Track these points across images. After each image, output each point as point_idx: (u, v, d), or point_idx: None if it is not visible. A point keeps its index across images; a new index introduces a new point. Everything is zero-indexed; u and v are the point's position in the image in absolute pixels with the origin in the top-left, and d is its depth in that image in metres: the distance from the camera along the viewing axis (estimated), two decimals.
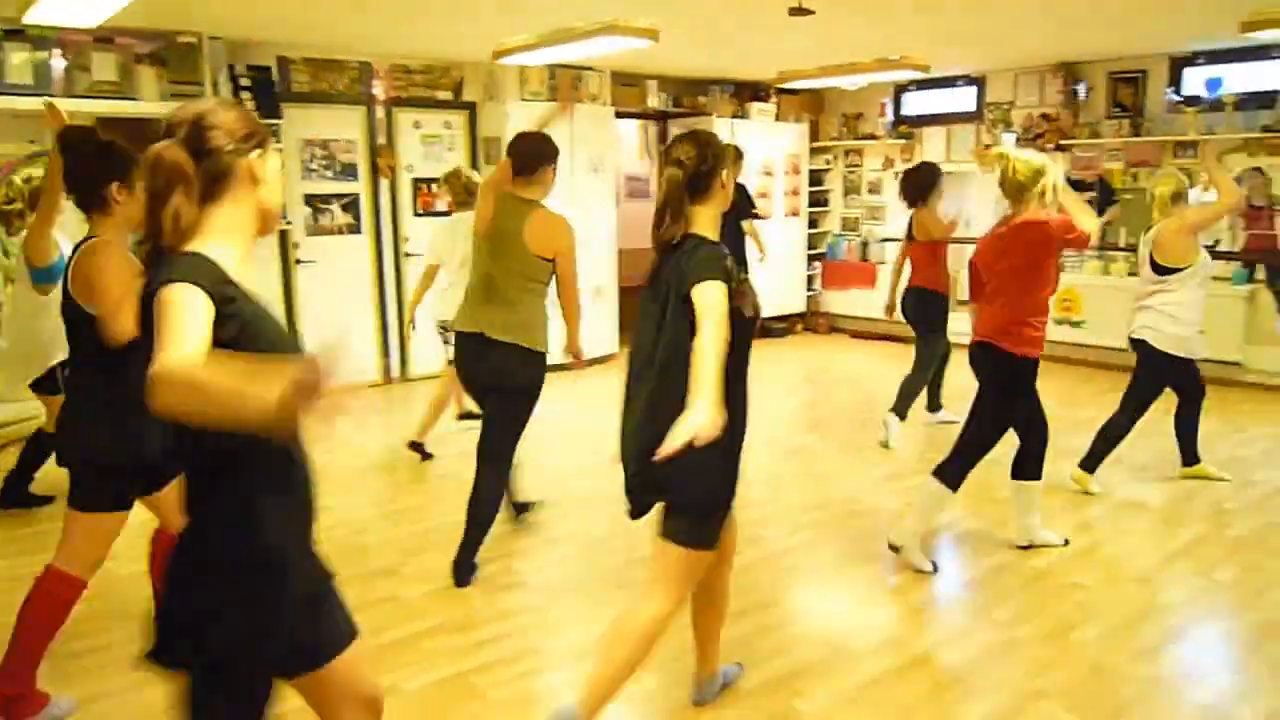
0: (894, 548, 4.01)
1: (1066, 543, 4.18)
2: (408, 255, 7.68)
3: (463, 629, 3.46)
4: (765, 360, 7.86)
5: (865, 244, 9.78)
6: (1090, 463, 4.91)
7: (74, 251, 2.80)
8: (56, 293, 3.64)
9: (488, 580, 3.90)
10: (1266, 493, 4.90)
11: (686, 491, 2.46)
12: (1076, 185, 8.09)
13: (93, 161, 2.78)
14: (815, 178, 10.11)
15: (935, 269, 5.83)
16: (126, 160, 2.77)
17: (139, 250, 1.69)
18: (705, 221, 2.55)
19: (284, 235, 7.05)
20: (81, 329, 2.74)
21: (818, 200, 10.15)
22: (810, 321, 10.08)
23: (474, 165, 8.02)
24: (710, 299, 2.34)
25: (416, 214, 7.76)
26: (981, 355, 3.90)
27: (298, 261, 7.19)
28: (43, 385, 4.33)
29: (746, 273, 7.06)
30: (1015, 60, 8.24)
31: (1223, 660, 3.28)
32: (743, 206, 7.59)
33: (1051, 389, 4.56)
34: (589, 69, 8.10)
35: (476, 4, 5.42)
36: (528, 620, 3.55)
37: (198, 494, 1.67)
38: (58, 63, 5.87)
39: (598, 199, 8.33)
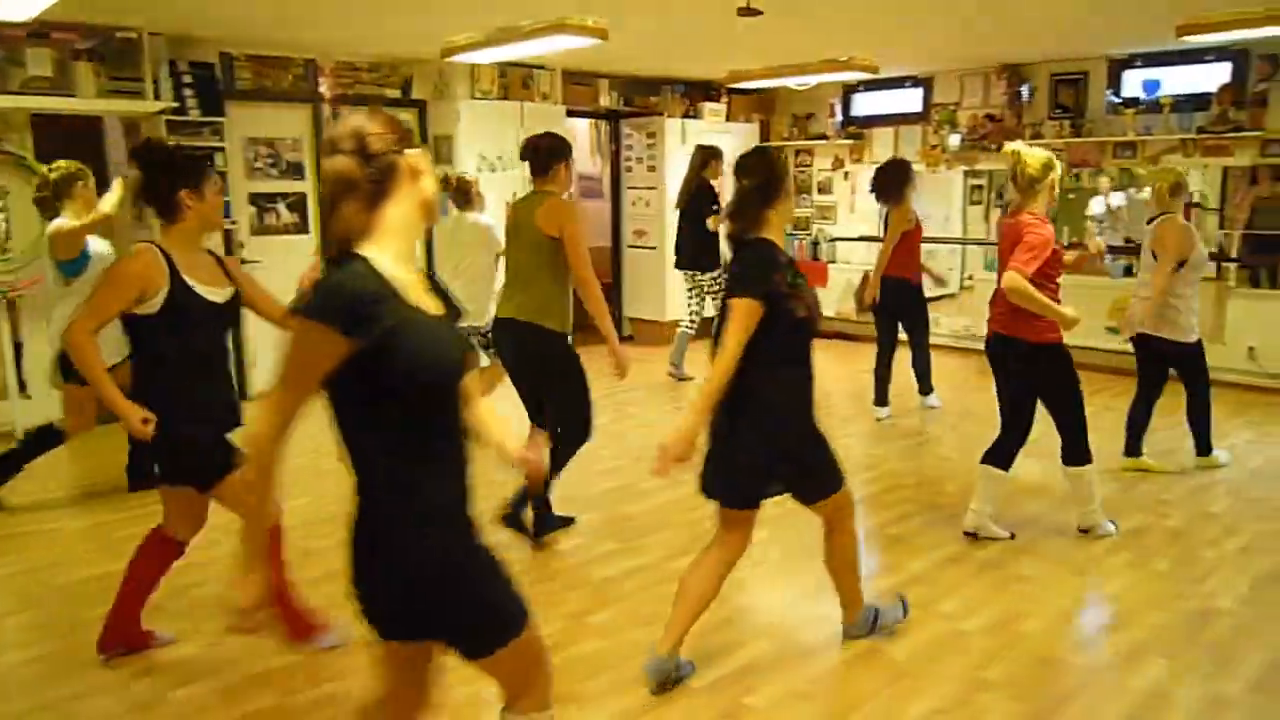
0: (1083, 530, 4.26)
1: (1013, 536, 4.26)
2: None
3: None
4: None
5: (816, 243, 9.86)
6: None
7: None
8: (78, 283, 4.43)
9: None
10: (1202, 484, 5.03)
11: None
12: None
13: (164, 171, 3.00)
14: None
15: (913, 260, 6.20)
16: (194, 166, 3.07)
17: (320, 256, 1.87)
18: (776, 226, 2.97)
19: (229, 235, 6.93)
20: (135, 325, 2.98)
21: None
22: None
23: None
24: (735, 314, 2.80)
25: None
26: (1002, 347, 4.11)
27: (243, 262, 7.06)
28: (73, 374, 4.36)
29: (714, 271, 7.14)
30: (961, 62, 8.37)
31: (1161, 647, 3.35)
32: (705, 205, 7.55)
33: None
34: (540, 67, 8.08)
35: (425, 2, 5.38)
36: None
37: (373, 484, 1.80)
38: None
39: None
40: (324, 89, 7.37)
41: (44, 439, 4.83)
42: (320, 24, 6.16)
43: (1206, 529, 4.40)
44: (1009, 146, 4.13)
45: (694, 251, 7.42)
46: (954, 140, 8.70)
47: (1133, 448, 5.25)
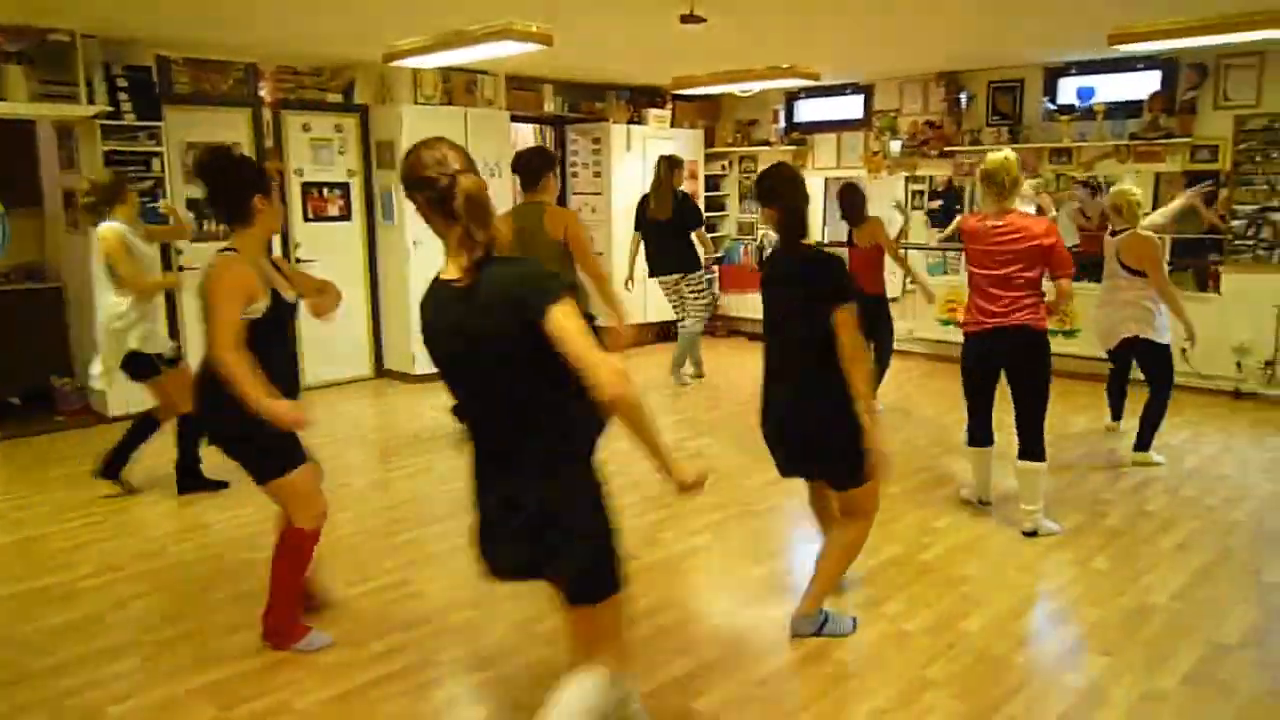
0: (1029, 533, 4.38)
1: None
2: (299, 261, 7.48)
3: (357, 643, 3.38)
4: (662, 364, 7.92)
5: (761, 249, 9.93)
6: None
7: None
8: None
9: (382, 593, 3.83)
10: (1138, 482, 5.16)
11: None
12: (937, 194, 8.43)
13: (236, 179, 3.18)
14: (711, 183, 10.24)
15: (879, 274, 6.53)
16: (262, 172, 3.31)
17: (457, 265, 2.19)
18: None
19: (164, 247, 6.78)
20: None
21: (714, 205, 10.28)
22: (709, 325, 10.18)
23: (366, 169, 7.89)
24: (849, 320, 3.12)
25: (307, 219, 7.58)
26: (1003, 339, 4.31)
27: (180, 269, 6.93)
28: (141, 373, 4.84)
29: (699, 270, 7.25)
30: (900, 69, 8.50)
31: (1099, 644, 3.43)
32: (692, 218, 7.80)
33: (935, 388, 4.73)
34: (484, 72, 8.04)
35: (365, 4, 5.32)
36: (423, 632, 3.50)
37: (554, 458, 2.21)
38: None
39: (495, 203, 8.24)
40: (264, 93, 7.25)
41: (143, 427, 5.02)
42: (260, 27, 6.06)
43: (1144, 527, 4.50)
44: (993, 155, 4.48)
45: (681, 256, 7.63)
46: (895, 146, 8.82)
47: (1144, 442, 5.51)
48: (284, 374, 3.14)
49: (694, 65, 7.32)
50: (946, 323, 8.29)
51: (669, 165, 7.55)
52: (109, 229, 4.73)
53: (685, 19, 5.31)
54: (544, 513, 2.17)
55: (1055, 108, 7.91)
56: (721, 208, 10.38)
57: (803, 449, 3.34)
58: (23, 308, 6.75)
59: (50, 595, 3.80)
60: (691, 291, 7.72)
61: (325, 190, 7.66)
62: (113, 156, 6.26)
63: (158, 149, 6.53)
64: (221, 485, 5.06)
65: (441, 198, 2.17)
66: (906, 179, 8.99)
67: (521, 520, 2.18)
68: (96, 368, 4.94)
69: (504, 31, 4.91)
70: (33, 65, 5.92)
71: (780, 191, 3.30)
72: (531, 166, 4.72)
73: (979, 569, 4.02)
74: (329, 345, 7.51)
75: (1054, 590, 3.84)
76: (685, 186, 8.02)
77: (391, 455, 5.94)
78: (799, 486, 4.55)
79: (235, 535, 4.47)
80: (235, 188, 3.15)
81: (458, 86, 7.92)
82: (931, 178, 8.79)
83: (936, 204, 8.77)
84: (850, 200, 6.49)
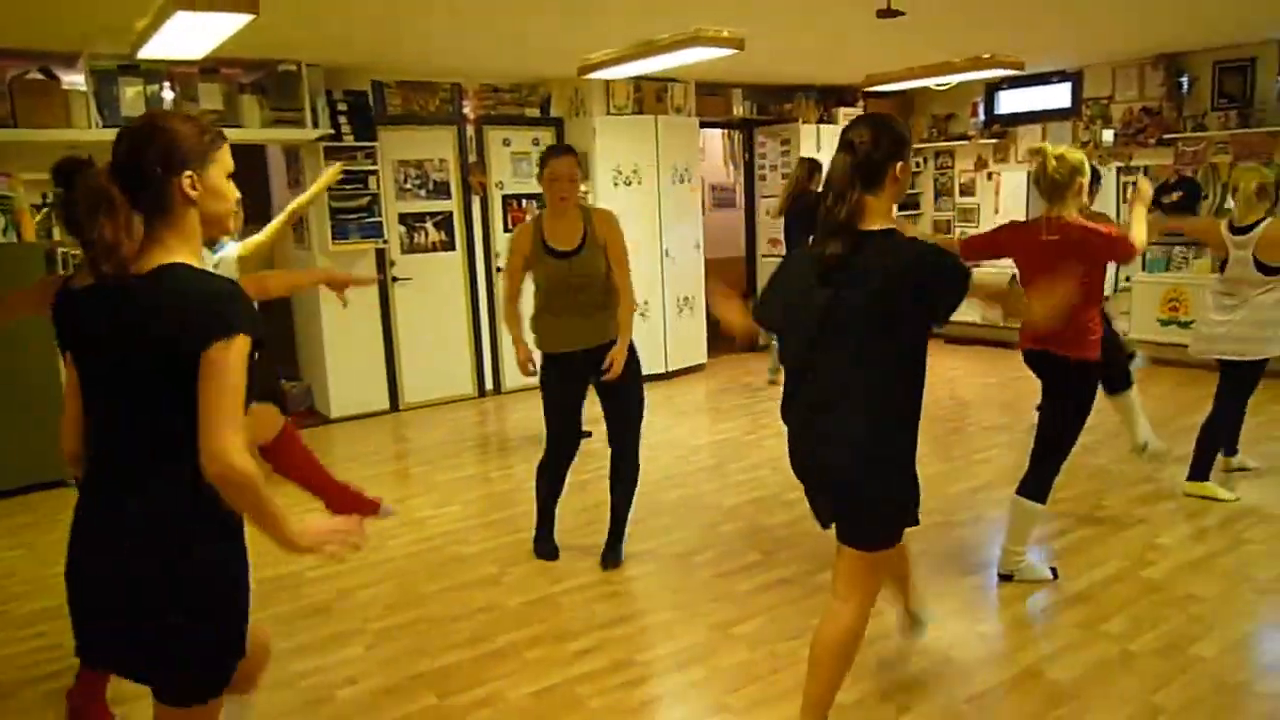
0: (1005, 576, 3.86)
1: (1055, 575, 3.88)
2: (499, 270, 7.80)
3: (561, 638, 3.49)
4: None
5: None
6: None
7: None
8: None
9: (584, 590, 3.94)
10: None
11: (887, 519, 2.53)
12: (1176, 185, 7.81)
13: None
14: None
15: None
16: None
17: None
18: (880, 214, 2.40)
19: (381, 254, 7.24)
20: None
21: (908, 204, 9.98)
22: None
23: None
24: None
25: (507, 230, 7.89)
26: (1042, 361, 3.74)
27: (394, 279, 7.37)
28: None
29: None
30: (1113, 53, 7.98)
31: None
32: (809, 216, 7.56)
33: (1156, 393, 4.41)
34: (674, 80, 8.13)
35: (561, 21, 5.49)
36: (625, 630, 3.56)
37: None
38: (168, 94, 6.14)
39: (684, 209, 8.35)
40: (468, 110, 7.61)
41: None
42: (464, 49, 6.36)
43: None
44: (1034, 145, 3.78)
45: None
46: (1108, 135, 8.30)
47: (1205, 470, 4.71)
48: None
49: (888, 60, 7.13)
50: (1167, 322, 7.72)
51: (808, 168, 7.37)
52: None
53: (882, 13, 5.17)
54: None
55: None
56: (915, 206, 10.07)
57: None
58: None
59: (282, 584, 4.10)
60: None
61: (524, 201, 7.94)
62: None
63: (374, 167, 6.98)
64: None
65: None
66: (1119, 170, 8.43)
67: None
68: None
69: (694, 38, 4.94)
70: (265, 94, 6.46)
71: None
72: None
73: (1209, 589, 3.71)
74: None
75: None
76: None
77: (586, 458, 6.09)
78: (1006, 497, 4.38)
79: (448, 530, 4.69)
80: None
81: (648, 95, 8.04)
82: (1146, 168, 8.20)
83: (1176, 196, 7.99)
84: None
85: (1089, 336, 3.59)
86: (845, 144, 2.41)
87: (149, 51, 4.53)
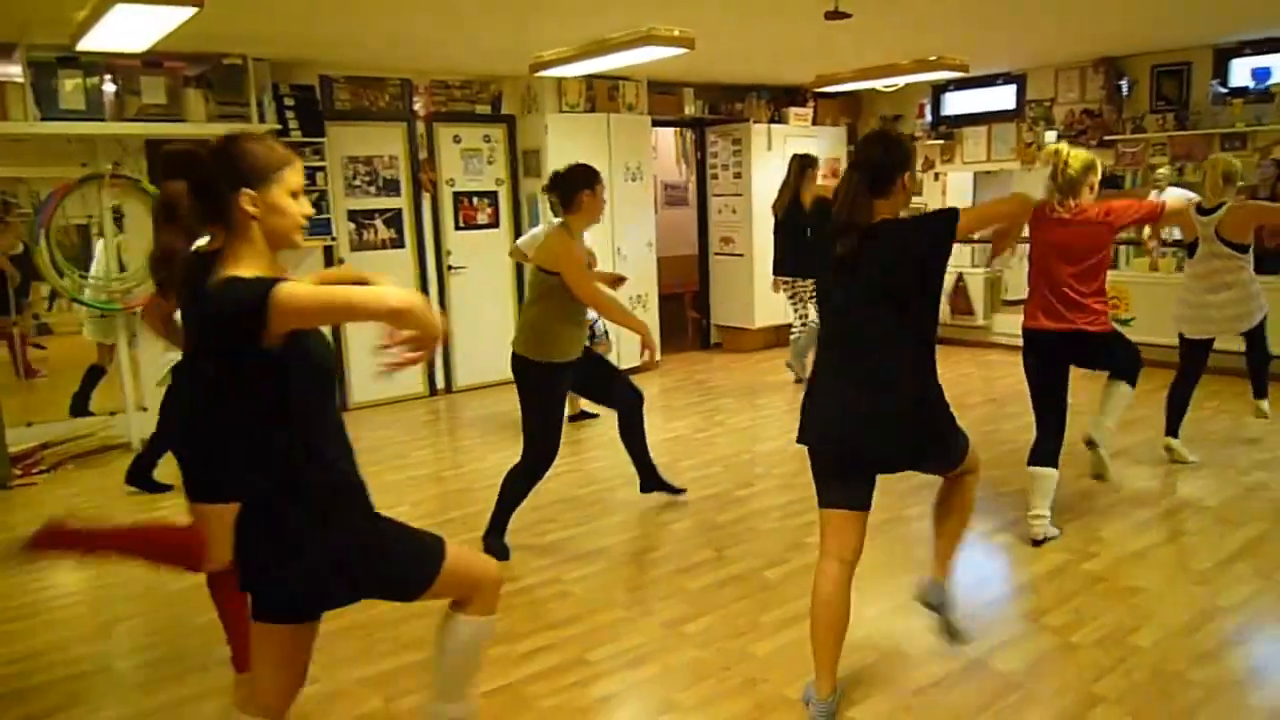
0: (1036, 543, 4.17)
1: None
2: (450, 268, 7.76)
3: (512, 639, 3.48)
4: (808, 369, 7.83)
5: None
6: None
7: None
8: None
9: (535, 590, 3.93)
10: None
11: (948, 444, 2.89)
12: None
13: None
14: None
15: None
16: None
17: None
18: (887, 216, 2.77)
19: (329, 251, 7.15)
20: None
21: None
22: None
23: (513, 178, 8.09)
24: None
25: (458, 227, 7.84)
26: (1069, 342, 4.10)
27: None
28: None
29: (806, 281, 7.07)
30: (1055, 57, 8.14)
31: None
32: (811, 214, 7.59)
33: (1095, 389, 4.51)
34: (625, 78, 8.13)
35: (513, 19, 5.47)
36: (576, 629, 3.56)
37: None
38: (109, 87, 6.01)
39: (636, 207, 8.36)
40: (418, 106, 7.55)
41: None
42: (414, 44, 6.31)
43: None
44: (1050, 145, 4.22)
45: (794, 259, 7.41)
46: (1050, 137, 8.46)
47: (1173, 428, 5.22)
48: None
49: (837, 62, 7.21)
50: None
51: (800, 165, 7.35)
52: None
53: (830, 15, 5.23)
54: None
55: (1227, 91, 7.43)
56: None
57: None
58: None
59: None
60: (809, 299, 7.49)
61: (475, 199, 7.90)
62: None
63: (321, 163, 6.89)
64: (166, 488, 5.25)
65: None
66: None
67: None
68: None
69: (646, 37, 4.96)
70: (210, 88, 6.35)
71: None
72: (563, 185, 4.17)
73: (1150, 580, 3.81)
74: (473, 349, 7.73)
75: (1236, 604, 3.59)
76: (824, 183, 7.86)
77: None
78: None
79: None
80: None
81: (600, 93, 8.04)
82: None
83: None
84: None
85: (1107, 312, 4.14)
86: (859, 157, 2.80)
87: (89, 43, 4.44)
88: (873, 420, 2.73)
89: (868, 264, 2.71)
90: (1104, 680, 3.05)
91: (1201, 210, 5.02)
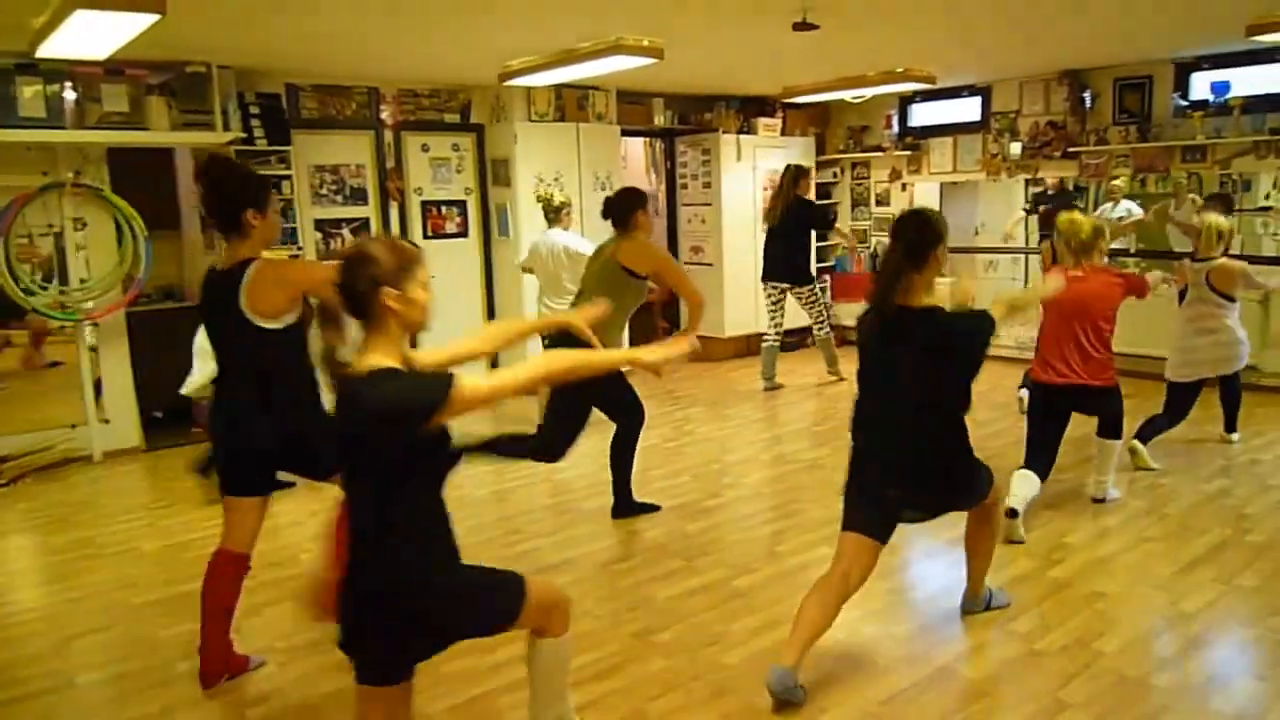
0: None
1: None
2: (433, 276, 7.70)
3: (482, 650, 3.44)
4: (779, 375, 7.85)
5: (875, 256, 9.76)
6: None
7: (240, 272, 3.01)
8: None
9: None
10: None
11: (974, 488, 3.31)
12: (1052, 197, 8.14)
13: (229, 192, 3.07)
14: (822, 191, 10.11)
15: None
16: (259, 185, 3.13)
17: None
18: (923, 287, 3.05)
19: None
20: (243, 339, 3.03)
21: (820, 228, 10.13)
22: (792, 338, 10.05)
23: (482, 186, 8.07)
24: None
25: (426, 236, 7.79)
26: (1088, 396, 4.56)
27: None
28: None
29: (809, 284, 7.21)
30: (1020, 69, 8.25)
31: (1249, 667, 3.24)
32: (807, 223, 7.88)
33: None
34: (595, 88, 8.14)
35: (481, 27, 5.46)
36: None
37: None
38: (69, 94, 5.92)
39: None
40: (386, 115, 7.51)
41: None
42: (382, 53, 6.27)
43: None
44: (1064, 216, 4.74)
45: (787, 266, 7.63)
46: (1015, 148, 8.57)
47: (1144, 435, 5.41)
48: (312, 384, 3.12)
49: (805, 73, 7.26)
50: None
51: (793, 174, 7.63)
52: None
53: (798, 26, 5.26)
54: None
55: (1187, 104, 7.56)
56: (832, 216, 10.23)
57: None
58: (163, 326, 7.10)
59: (191, 601, 3.95)
60: (805, 304, 7.78)
61: (443, 208, 7.88)
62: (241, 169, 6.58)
63: (287, 172, 6.83)
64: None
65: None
66: (1027, 182, 8.72)
67: None
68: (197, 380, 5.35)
69: (615, 47, 4.98)
70: (174, 96, 6.27)
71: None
72: (618, 209, 4.62)
73: (1114, 586, 3.85)
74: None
75: (1197, 610, 3.63)
76: None
77: (508, 465, 6.04)
78: None
79: None
80: (227, 200, 3.05)
81: (570, 103, 8.04)
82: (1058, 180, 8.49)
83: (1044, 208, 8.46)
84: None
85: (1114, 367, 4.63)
86: (896, 233, 3.09)
87: (49, 50, 4.38)
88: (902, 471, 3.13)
89: (902, 348, 3.06)
90: (1070, 686, 3.07)
91: (1194, 258, 5.46)
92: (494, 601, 2.37)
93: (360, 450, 2.15)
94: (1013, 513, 4.26)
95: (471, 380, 2.12)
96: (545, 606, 2.46)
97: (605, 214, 4.66)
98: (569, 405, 4.46)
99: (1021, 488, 4.38)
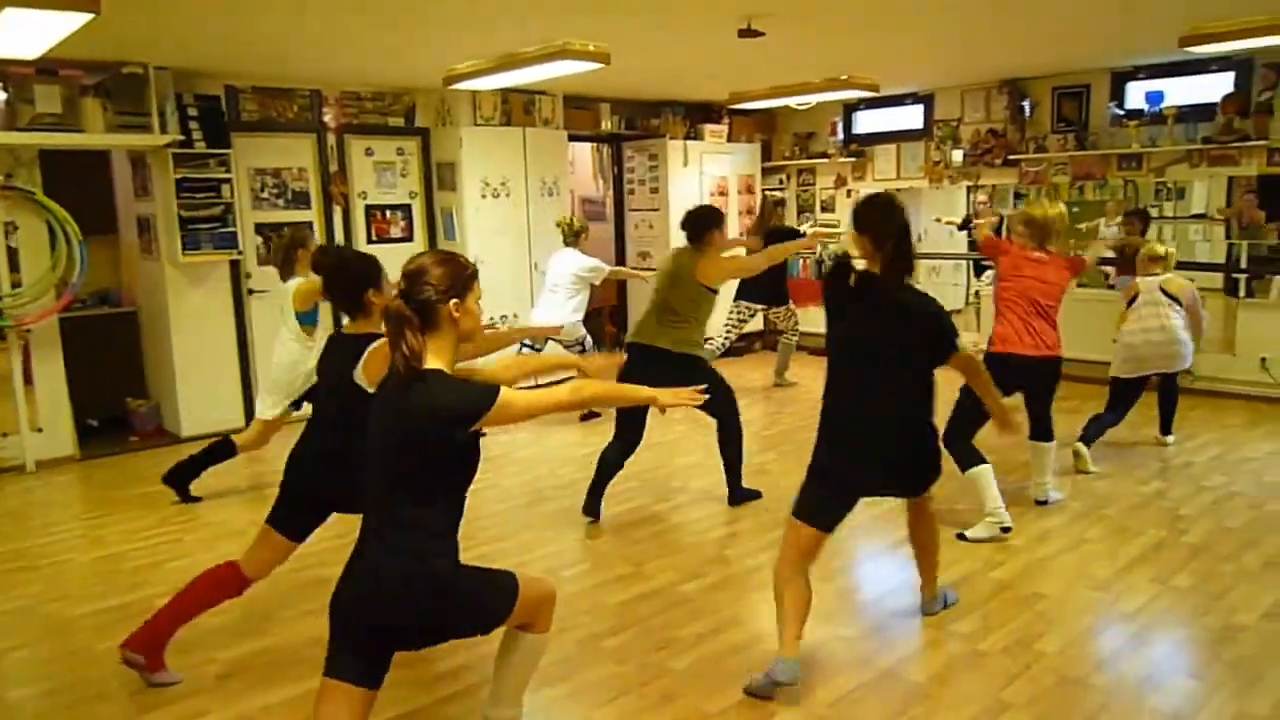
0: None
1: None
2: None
3: (426, 660, 3.40)
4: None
5: (820, 262, 9.85)
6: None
7: (365, 342, 3.08)
8: (316, 334, 5.13)
9: None
10: (1219, 498, 4.99)
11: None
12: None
13: (349, 276, 3.24)
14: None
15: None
16: (374, 268, 3.24)
17: None
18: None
19: (236, 265, 6.96)
20: (348, 395, 3.04)
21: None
22: (769, 340, 10.12)
23: (428, 191, 7.99)
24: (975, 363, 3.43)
25: (370, 241, 7.70)
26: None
27: (250, 291, 7.09)
28: (297, 404, 5.30)
29: (785, 305, 7.38)
30: (962, 78, 8.39)
31: (1184, 666, 3.32)
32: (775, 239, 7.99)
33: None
34: (542, 92, 8.11)
35: (426, 30, 5.40)
36: (492, 648, 3.49)
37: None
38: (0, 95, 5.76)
39: (554, 222, 8.31)
40: (329, 119, 7.40)
41: (220, 449, 5.33)
42: (324, 55, 6.18)
43: (1226, 544, 4.35)
44: (1034, 203, 5.11)
45: (764, 288, 7.80)
46: (957, 156, 8.71)
47: (1087, 437, 5.55)
48: None
49: (751, 80, 7.31)
50: None
51: (772, 204, 8.20)
52: (310, 283, 5.02)
53: (743, 33, 5.30)
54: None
55: (1123, 113, 7.74)
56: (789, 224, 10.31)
57: (900, 465, 3.28)
58: (99, 332, 6.94)
59: (129, 613, 3.87)
60: (783, 320, 8.27)
61: (388, 212, 7.79)
62: (184, 184, 6.44)
63: (227, 175, 6.69)
64: (195, 500, 5.37)
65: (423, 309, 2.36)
66: (969, 189, 8.86)
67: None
68: (266, 403, 5.34)
69: (561, 51, 4.96)
70: (109, 97, 6.12)
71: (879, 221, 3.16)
72: (696, 224, 4.87)
73: (1054, 587, 3.92)
74: None
75: (1134, 610, 3.71)
76: (740, 202, 8.72)
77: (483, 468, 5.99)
78: (867, 503, 4.47)
79: (310, 550, 4.50)
80: (349, 284, 3.20)
81: (516, 107, 7.99)
82: (994, 187, 8.64)
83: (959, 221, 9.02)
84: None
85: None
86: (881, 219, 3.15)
87: None
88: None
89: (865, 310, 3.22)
90: (1011, 687, 3.12)
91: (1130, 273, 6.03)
92: (493, 601, 2.49)
93: (409, 448, 2.31)
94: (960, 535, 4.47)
95: (512, 395, 2.35)
96: (535, 603, 2.58)
97: (683, 226, 4.91)
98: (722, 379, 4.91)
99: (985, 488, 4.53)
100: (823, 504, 3.18)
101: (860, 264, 3.22)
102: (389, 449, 2.36)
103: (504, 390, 2.34)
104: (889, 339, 3.13)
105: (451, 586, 2.40)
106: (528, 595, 2.55)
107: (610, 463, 4.88)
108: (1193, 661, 3.35)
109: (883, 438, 3.17)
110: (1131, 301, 5.68)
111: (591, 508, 4.89)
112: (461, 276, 2.40)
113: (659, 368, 4.44)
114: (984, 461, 4.52)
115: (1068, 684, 3.13)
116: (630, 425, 4.86)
